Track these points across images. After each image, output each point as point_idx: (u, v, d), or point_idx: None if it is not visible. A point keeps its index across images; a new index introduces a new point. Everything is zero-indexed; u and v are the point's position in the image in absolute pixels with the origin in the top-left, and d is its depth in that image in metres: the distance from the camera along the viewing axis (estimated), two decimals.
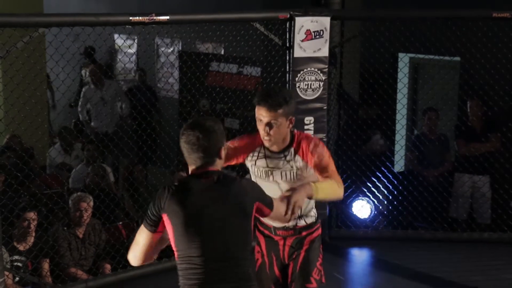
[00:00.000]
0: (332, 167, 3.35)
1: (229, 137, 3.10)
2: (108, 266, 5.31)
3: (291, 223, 3.42)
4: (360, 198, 6.22)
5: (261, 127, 3.30)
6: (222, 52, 8.26)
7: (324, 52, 5.64)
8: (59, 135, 7.51)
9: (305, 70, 5.61)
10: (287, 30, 5.63)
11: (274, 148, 3.37)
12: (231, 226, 2.73)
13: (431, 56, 6.75)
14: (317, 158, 3.33)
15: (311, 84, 5.66)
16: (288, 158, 3.36)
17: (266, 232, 3.53)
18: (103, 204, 5.57)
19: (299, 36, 5.56)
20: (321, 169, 3.32)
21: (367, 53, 7.12)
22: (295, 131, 3.45)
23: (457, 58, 6.89)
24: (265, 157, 3.40)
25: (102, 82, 8.08)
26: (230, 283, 2.70)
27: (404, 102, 6.84)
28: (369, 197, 6.27)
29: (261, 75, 6.95)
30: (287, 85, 5.72)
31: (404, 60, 6.88)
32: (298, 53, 5.58)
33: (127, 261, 5.20)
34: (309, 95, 5.66)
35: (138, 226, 5.74)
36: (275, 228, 3.50)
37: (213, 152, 2.78)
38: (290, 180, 3.38)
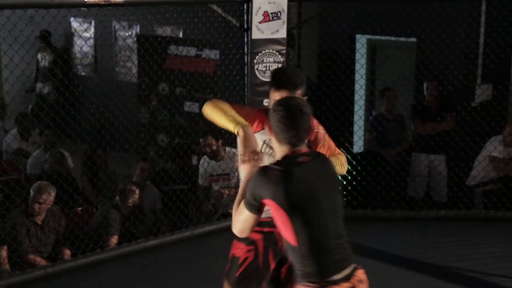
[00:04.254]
0: (334, 146, 3.44)
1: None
2: (67, 252, 5.27)
3: None
4: None
5: None
6: (181, 35, 8.20)
7: (282, 33, 5.65)
8: (16, 121, 7.39)
9: (263, 52, 5.62)
10: (245, 11, 5.62)
11: None
12: (337, 202, 2.76)
13: (388, 37, 6.82)
14: (323, 148, 3.38)
15: (269, 66, 5.66)
16: None
17: (266, 229, 3.35)
18: (62, 189, 5.51)
19: (256, 17, 5.55)
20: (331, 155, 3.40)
21: (324, 35, 7.15)
22: None
23: (413, 39, 6.98)
24: None
25: None
26: (347, 259, 2.72)
27: (362, 83, 6.91)
28: None
29: (219, 58, 6.92)
30: (246, 67, 5.72)
31: (361, 41, 6.93)
32: (256, 34, 5.58)
33: (87, 247, 5.22)
34: (268, 77, 5.66)
35: (97, 211, 5.74)
36: None
37: (307, 131, 2.74)
38: None
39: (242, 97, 5.97)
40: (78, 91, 8.04)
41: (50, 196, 5.15)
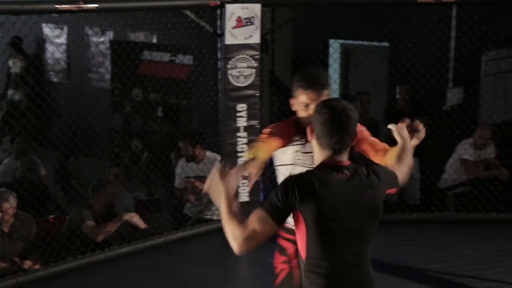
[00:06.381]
0: (379, 142, 3.27)
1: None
2: (37, 261, 5.19)
3: None
4: None
5: (308, 112, 3.17)
6: (154, 41, 8.18)
7: (256, 39, 5.66)
8: None
9: (236, 57, 5.62)
10: (218, 17, 5.62)
11: None
12: (362, 229, 2.55)
13: (361, 42, 6.88)
14: (367, 145, 3.26)
15: (243, 71, 5.67)
16: None
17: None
18: (33, 197, 5.44)
19: (230, 23, 5.55)
20: (375, 151, 3.24)
21: (298, 40, 7.18)
22: None
23: (386, 44, 7.03)
24: (307, 142, 3.23)
25: None
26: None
27: (335, 88, 6.94)
28: None
29: (193, 63, 6.92)
30: (219, 72, 5.72)
31: (334, 46, 6.96)
32: (229, 40, 5.58)
33: (59, 255, 5.16)
34: (241, 82, 5.68)
35: (69, 218, 5.67)
36: None
37: (351, 137, 2.54)
38: None
39: (216, 102, 5.97)
40: (50, 97, 7.97)
41: (9, 202, 5.03)
